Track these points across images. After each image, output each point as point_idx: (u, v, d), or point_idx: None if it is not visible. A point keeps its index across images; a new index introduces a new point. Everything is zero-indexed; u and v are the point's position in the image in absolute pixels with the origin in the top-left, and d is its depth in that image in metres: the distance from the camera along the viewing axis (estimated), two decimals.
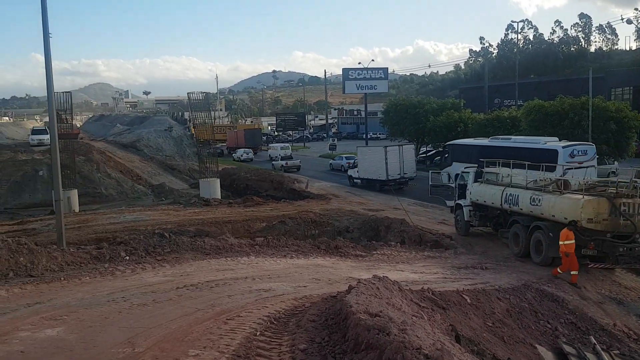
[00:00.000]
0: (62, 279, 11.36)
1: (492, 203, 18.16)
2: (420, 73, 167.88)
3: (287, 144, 63.52)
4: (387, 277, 10.06)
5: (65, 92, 29.63)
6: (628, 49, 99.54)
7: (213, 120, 65.82)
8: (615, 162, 30.06)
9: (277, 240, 16.93)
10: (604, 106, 28.82)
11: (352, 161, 41.34)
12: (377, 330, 5.62)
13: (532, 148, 25.27)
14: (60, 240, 16.62)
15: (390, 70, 74.85)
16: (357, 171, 35.47)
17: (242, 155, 58.59)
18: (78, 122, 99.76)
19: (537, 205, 15.56)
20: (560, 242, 13.72)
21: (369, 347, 5.52)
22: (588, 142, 26.04)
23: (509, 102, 58.16)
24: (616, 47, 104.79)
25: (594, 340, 11.02)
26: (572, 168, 19.95)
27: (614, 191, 14.32)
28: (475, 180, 19.72)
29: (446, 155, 33.68)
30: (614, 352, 10.75)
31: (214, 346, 6.77)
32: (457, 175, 28.16)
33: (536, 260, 15.50)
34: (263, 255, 14.83)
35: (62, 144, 26.55)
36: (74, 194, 28.22)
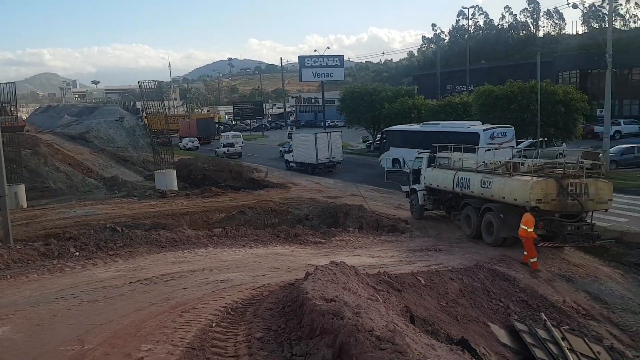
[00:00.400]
0: (9, 277, 10.94)
1: (445, 187, 18.54)
2: (375, 60, 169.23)
3: (238, 133, 64.39)
4: (344, 262, 10.14)
5: (9, 82, 28.39)
6: (575, 33, 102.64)
7: (167, 110, 64.47)
8: (563, 144, 31.17)
9: (236, 231, 16.78)
10: (552, 90, 29.75)
11: None
12: (331, 315, 5.66)
13: (457, 132, 27.37)
14: (7, 238, 15.89)
15: (345, 58, 74.95)
16: (292, 156, 38.05)
17: (187, 144, 59.94)
18: (23, 114, 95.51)
19: (487, 187, 15.94)
20: (523, 227, 13.88)
21: (324, 332, 5.55)
22: (508, 125, 28.09)
23: (461, 88, 59.30)
24: (563, 31, 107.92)
25: (544, 317, 11.41)
26: (492, 149, 20.91)
27: (562, 172, 14.80)
28: (429, 165, 20.08)
29: (384, 141, 35.49)
30: (564, 327, 11.18)
31: (167, 340, 6.66)
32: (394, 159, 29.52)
33: (487, 241, 15.94)
34: (221, 246, 14.68)
35: (7, 137, 25.42)
36: (21, 189, 27.10)
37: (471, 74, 58.32)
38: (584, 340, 10.75)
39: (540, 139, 28.34)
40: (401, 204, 23.03)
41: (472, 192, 16.79)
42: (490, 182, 15.88)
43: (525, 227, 13.71)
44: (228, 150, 49.94)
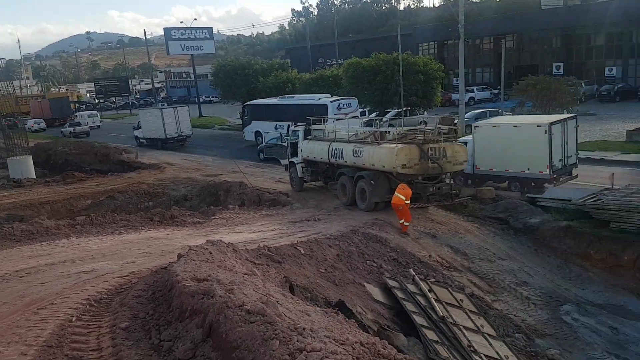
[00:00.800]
0: None
1: (321, 158, 18.95)
2: (247, 34, 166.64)
3: (95, 112, 62.58)
4: (221, 240, 9.97)
5: None
6: (432, 6, 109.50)
7: (20, 90, 57.76)
8: (425, 112, 33.34)
9: (103, 217, 15.76)
10: (412, 61, 31.52)
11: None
12: (201, 295, 5.51)
13: (308, 104, 29.93)
14: None
15: (215, 31, 72.69)
16: (142, 132, 38.82)
17: (32, 126, 55.76)
18: None
19: (359, 156, 16.59)
20: (401, 196, 14.41)
21: (194, 313, 5.40)
22: (352, 96, 31.21)
23: (332, 61, 60.56)
24: (422, 4, 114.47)
25: (413, 272, 12.24)
26: (340, 119, 22.44)
27: (422, 138, 15.86)
28: (305, 138, 20.34)
29: (246, 115, 36.65)
30: (431, 280, 12.10)
31: (20, 340, 6.05)
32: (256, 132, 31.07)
33: (361, 207, 16.66)
34: (86, 235, 13.70)
35: None
36: None
37: (340, 47, 59.71)
38: (448, 290, 11.72)
39: (405, 109, 30.06)
40: (282, 178, 23.16)
41: (346, 161, 17.36)
42: (361, 151, 16.53)
43: (404, 198, 14.42)
44: (74, 129, 48.89)
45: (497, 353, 9.62)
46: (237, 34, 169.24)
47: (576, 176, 18.96)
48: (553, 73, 46.49)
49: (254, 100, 37.56)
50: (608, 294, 12.94)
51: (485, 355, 9.40)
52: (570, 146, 18.28)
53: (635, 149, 23.80)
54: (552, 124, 17.49)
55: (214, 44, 69.24)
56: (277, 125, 32.15)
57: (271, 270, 9.70)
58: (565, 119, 18.47)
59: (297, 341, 4.26)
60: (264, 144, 31.15)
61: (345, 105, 29.56)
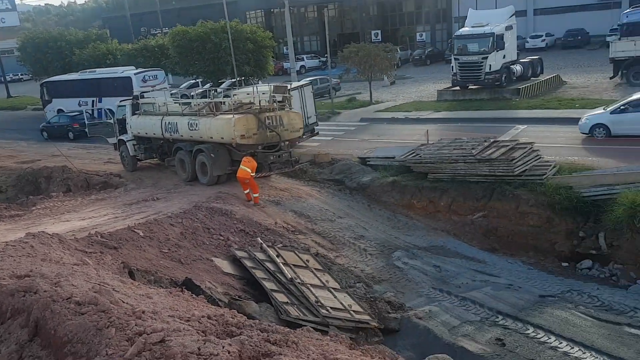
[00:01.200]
0: None
1: (154, 134, 18.06)
2: (56, 3, 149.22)
3: None
4: (43, 232, 9.04)
5: None
6: None
7: None
8: (259, 82, 33.40)
9: None
10: (241, 29, 31.12)
11: None
12: (22, 293, 4.96)
13: (112, 77, 29.66)
14: None
15: (18, 1, 63.93)
16: None
17: None
18: None
19: (195, 129, 16.12)
20: (247, 169, 14.34)
21: (16, 313, 4.86)
22: (158, 68, 31.65)
23: (155, 31, 57.26)
24: None
25: (260, 241, 12.44)
26: (147, 91, 22.37)
27: (258, 107, 15.93)
28: (134, 113, 19.13)
29: (45, 93, 34.72)
30: (278, 246, 12.41)
31: None
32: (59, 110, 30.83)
33: (203, 182, 16.34)
34: None
35: None
36: None
37: (163, 16, 56.51)
38: (295, 252, 12.17)
39: (239, 79, 29.81)
40: (112, 158, 21.76)
41: (182, 135, 16.76)
42: (197, 123, 16.07)
43: (249, 170, 14.35)
44: None
45: (342, 304, 10.32)
46: (45, 4, 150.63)
47: (317, 133, 21.91)
48: (372, 40, 49.84)
49: (52, 77, 35.47)
50: (430, 237, 14.60)
51: (332, 308, 10.02)
52: (309, 108, 20.98)
53: (444, 107, 26.89)
54: (290, 90, 19.39)
55: (18, 15, 61.25)
56: (81, 102, 30.49)
57: (106, 258, 9.10)
58: (302, 86, 21.09)
59: (136, 325, 4.08)
60: (46, 122, 30.22)
61: (151, 77, 29.13)
